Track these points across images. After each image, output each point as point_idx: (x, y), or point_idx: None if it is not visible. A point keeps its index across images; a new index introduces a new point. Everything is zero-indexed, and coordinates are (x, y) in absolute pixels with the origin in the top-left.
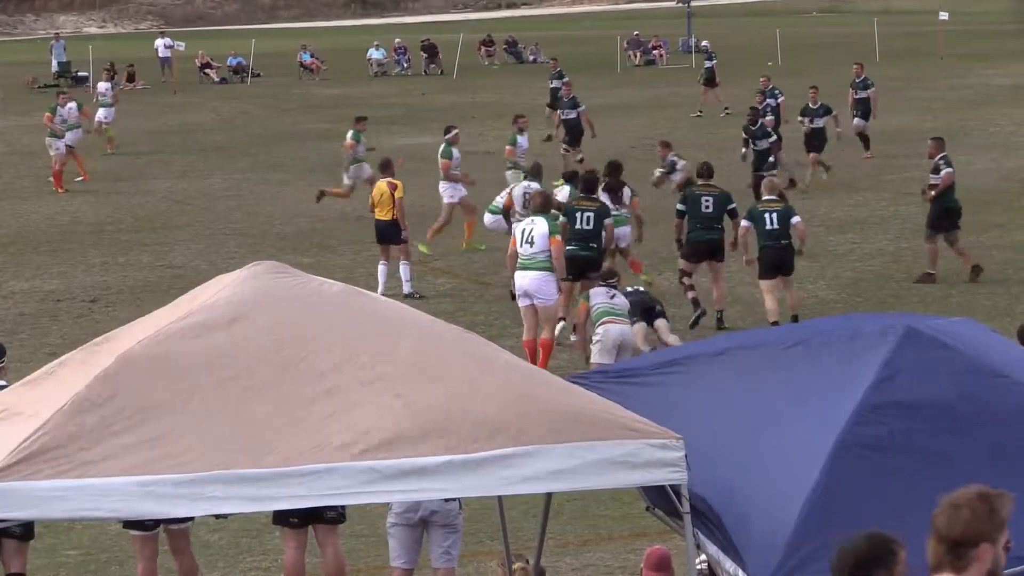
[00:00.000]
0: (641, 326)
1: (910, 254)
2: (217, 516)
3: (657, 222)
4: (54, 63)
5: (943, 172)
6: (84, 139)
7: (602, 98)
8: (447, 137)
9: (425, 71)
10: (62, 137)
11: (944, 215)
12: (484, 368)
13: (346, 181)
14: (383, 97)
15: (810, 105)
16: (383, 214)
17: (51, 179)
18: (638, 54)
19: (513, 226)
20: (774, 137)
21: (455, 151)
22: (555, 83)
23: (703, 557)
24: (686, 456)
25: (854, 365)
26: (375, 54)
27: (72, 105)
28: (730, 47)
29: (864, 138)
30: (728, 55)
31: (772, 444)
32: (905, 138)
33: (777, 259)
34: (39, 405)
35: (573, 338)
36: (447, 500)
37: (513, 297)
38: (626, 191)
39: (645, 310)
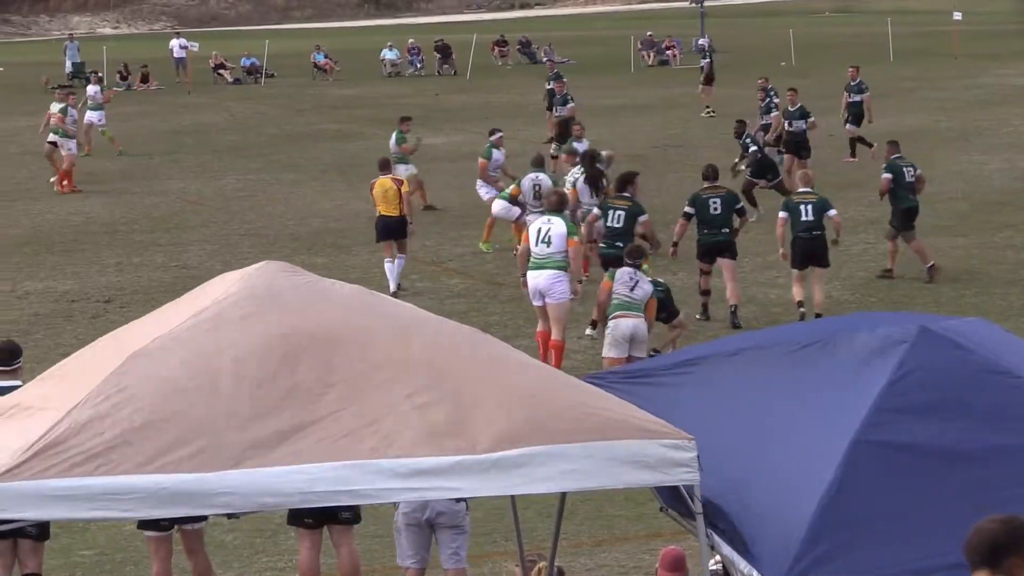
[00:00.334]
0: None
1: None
2: (230, 516)
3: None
4: (68, 64)
5: (882, 176)
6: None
7: (615, 98)
8: (492, 139)
9: (438, 71)
10: (74, 137)
11: (901, 215)
12: (497, 367)
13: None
14: (396, 97)
15: (788, 108)
16: (389, 210)
17: (54, 180)
18: (652, 54)
19: (526, 219)
20: (754, 148)
21: (496, 153)
22: (552, 84)
23: (717, 557)
24: (699, 456)
25: (868, 365)
26: (388, 54)
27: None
28: (742, 47)
29: (853, 142)
30: (740, 55)
31: (786, 444)
32: (919, 139)
33: (809, 249)
34: (51, 402)
35: (588, 331)
36: (456, 501)
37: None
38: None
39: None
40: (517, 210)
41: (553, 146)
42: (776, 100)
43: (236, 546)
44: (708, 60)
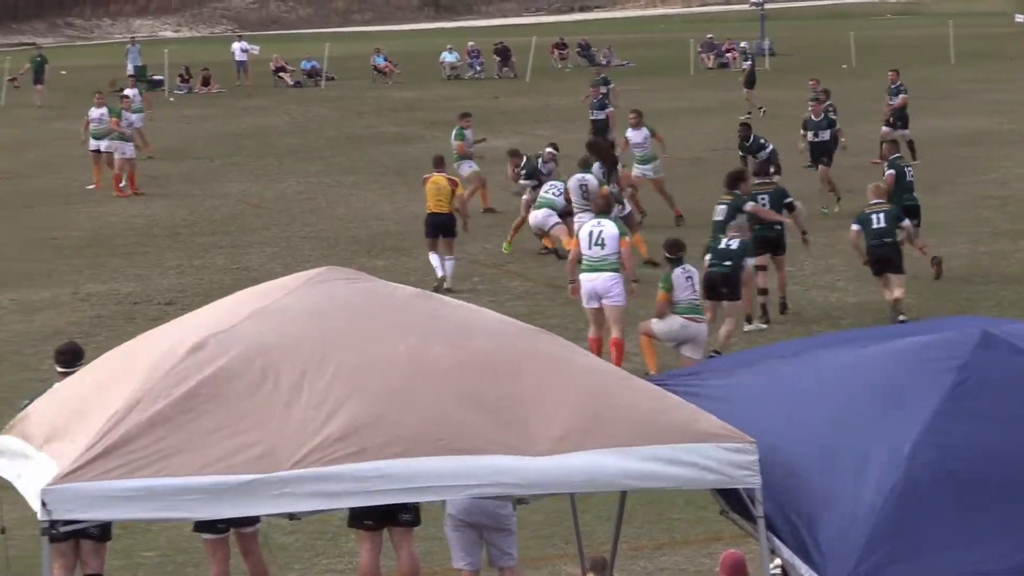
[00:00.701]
0: None
1: (987, 258)
2: (291, 517)
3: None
4: (130, 67)
5: (886, 173)
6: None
7: (675, 101)
8: (460, 123)
9: (498, 74)
10: (130, 140)
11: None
12: (559, 367)
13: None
14: (456, 100)
15: (812, 118)
16: (440, 208)
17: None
18: (711, 57)
19: (575, 221)
20: (770, 147)
21: (468, 134)
22: (602, 88)
23: (778, 561)
24: (759, 460)
25: (930, 371)
26: (448, 57)
27: (105, 110)
28: (803, 50)
29: (911, 146)
30: (802, 58)
31: (848, 447)
32: (981, 140)
33: (882, 256)
34: (111, 398)
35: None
36: (501, 503)
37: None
38: (593, 174)
39: None
40: (555, 219)
41: None
42: (832, 105)
43: (297, 548)
44: (751, 63)
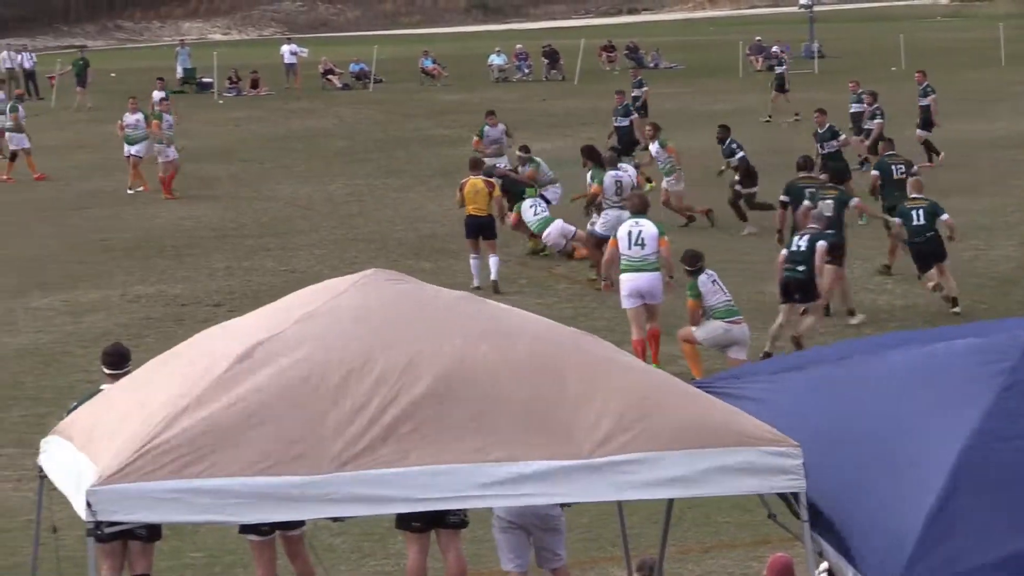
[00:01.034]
0: None
1: None
2: (336, 519)
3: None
4: (179, 69)
5: (872, 173)
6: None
7: (723, 103)
8: (486, 121)
9: (546, 76)
10: (172, 144)
11: (889, 212)
12: (604, 370)
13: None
14: (504, 103)
15: (817, 130)
16: (478, 210)
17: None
18: (760, 59)
19: (596, 224)
20: (741, 154)
21: (488, 129)
22: (636, 92)
23: (825, 565)
24: (804, 464)
25: (979, 374)
26: (496, 60)
27: (140, 115)
28: (853, 52)
29: (928, 147)
30: (851, 60)
31: (894, 452)
32: None
33: (926, 251)
34: (157, 400)
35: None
36: (551, 504)
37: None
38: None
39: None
40: (573, 229)
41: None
42: (880, 108)
43: (344, 550)
44: (783, 67)
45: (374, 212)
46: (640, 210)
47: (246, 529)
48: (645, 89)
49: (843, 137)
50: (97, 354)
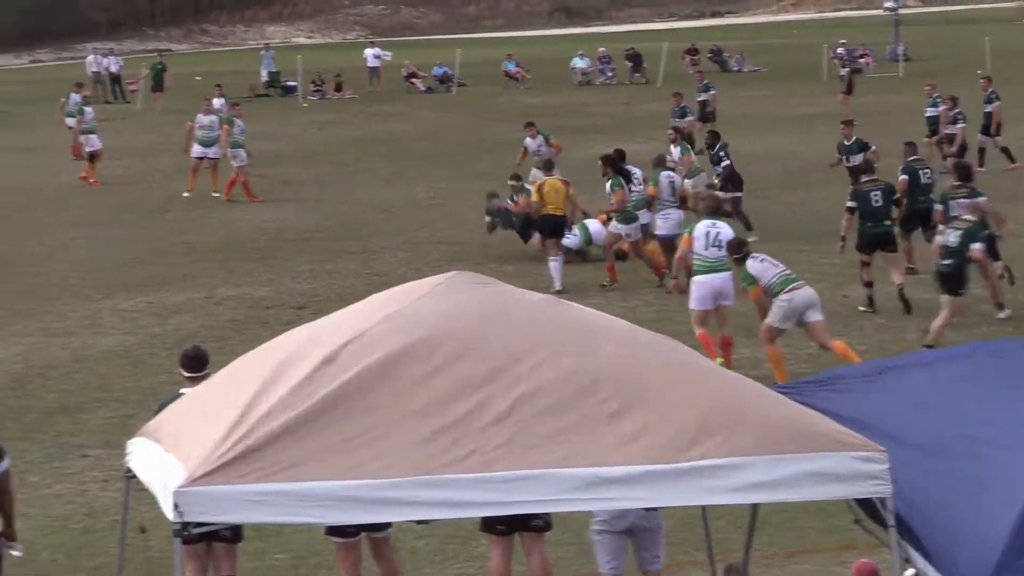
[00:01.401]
0: None
1: None
2: (420, 522)
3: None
4: (264, 73)
5: (900, 178)
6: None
7: (807, 106)
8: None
9: (629, 80)
10: (243, 147)
11: (912, 216)
12: (688, 376)
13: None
14: (587, 106)
15: (844, 142)
16: (557, 209)
17: (218, 194)
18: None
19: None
20: (727, 162)
21: (528, 142)
22: (702, 96)
23: (911, 571)
24: (890, 469)
25: None
26: (579, 63)
27: (214, 118)
28: (938, 55)
29: (982, 154)
30: (936, 63)
31: (982, 458)
32: None
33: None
34: (241, 405)
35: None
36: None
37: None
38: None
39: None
40: (632, 230)
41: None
42: (962, 112)
43: (428, 552)
44: (848, 69)
45: (457, 215)
46: (715, 211)
47: (332, 531)
48: (713, 93)
49: (873, 148)
50: None
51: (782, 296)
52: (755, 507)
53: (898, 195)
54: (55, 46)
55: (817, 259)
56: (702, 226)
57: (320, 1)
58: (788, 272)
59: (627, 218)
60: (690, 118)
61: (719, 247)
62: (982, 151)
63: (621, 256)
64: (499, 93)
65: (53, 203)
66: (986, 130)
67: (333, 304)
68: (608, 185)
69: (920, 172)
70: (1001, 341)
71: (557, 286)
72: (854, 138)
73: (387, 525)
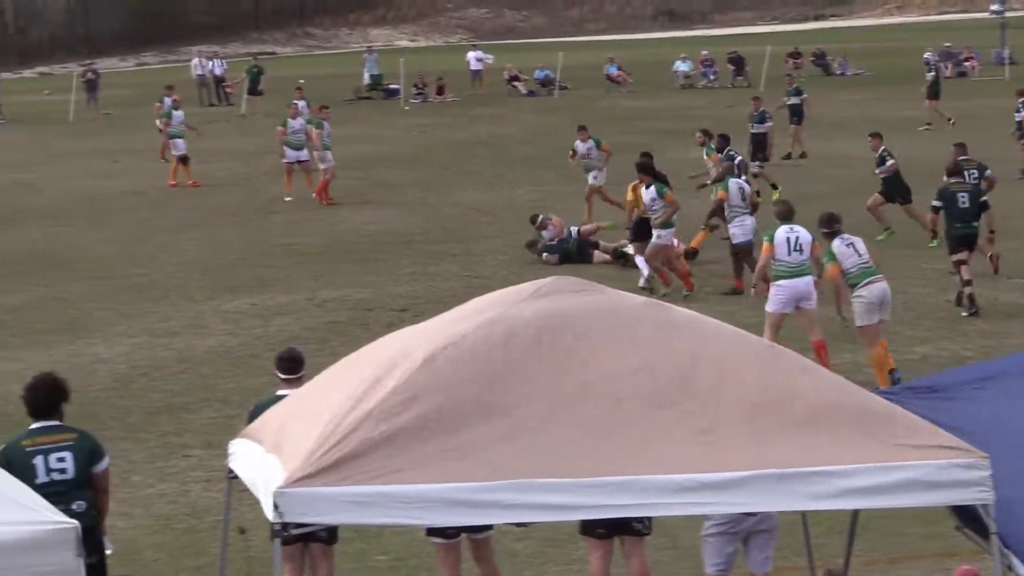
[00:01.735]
0: None
1: None
2: (519, 525)
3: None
4: (366, 76)
5: (888, 163)
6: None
7: (911, 111)
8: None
9: (732, 83)
10: (329, 149)
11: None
12: (790, 381)
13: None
14: (689, 109)
15: (874, 153)
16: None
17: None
18: (949, 66)
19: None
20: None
21: (578, 144)
22: (792, 100)
23: None
24: (992, 475)
25: None
26: (681, 66)
27: (303, 121)
28: None
29: None
30: None
31: None
32: None
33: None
34: (341, 408)
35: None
36: None
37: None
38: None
39: None
40: (669, 237)
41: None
42: None
43: (527, 555)
44: (934, 74)
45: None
46: (790, 216)
47: (433, 532)
48: (804, 97)
49: (891, 163)
50: None
51: (859, 290)
52: (856, 513)
53: (984, 198)
54: (160, 49)
55: (919, 263)
56: (781, 232)
57: (423, 4)
58: (868, 264)
59: (666, 224)
60: (769, 123)
61: (800, 251)
62: None
63: (692, 254)
64: (600, 96)
65: (157, 205)
66: None
67: (433, 307)
68: (653, 191)
69: (966, 172)
70: None
71: (643, 283)
72: (881, 149)
73: (488, 527)
